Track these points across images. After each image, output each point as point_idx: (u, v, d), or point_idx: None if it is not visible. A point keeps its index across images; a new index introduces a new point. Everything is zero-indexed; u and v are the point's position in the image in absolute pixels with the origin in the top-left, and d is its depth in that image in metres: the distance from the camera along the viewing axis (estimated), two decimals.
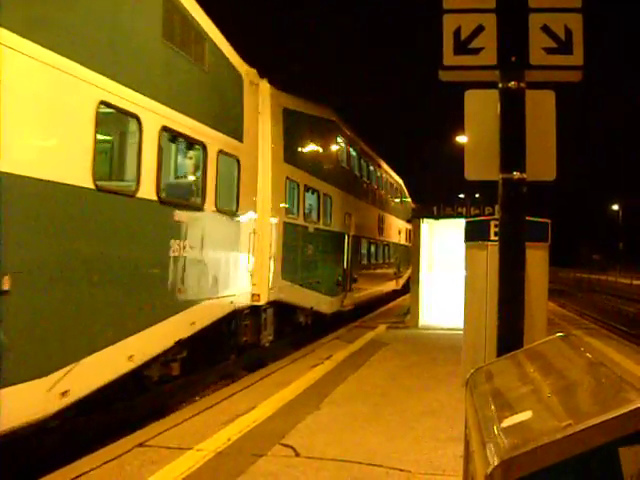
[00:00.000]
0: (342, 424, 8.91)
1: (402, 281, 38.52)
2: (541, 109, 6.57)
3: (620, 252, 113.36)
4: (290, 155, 17.13)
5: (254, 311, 14.77)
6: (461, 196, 44.11)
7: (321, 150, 21.37)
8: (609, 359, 13.80)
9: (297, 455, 7.51)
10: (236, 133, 13.60)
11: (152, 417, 9.42)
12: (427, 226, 21.50)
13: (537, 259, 9.87)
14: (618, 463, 2.62)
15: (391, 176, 37.48)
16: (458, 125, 6.96)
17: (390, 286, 35.43)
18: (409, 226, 39.45)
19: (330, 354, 14.77)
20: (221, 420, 8.89)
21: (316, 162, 20.63)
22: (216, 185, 12.27)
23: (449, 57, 6.51)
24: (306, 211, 19.18)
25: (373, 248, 30.48)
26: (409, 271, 39.98)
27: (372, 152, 31.13)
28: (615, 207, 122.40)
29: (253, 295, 14.42)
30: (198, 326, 11.51)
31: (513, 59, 6.27)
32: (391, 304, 30.94)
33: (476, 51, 6.42)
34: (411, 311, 21.34)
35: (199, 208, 11.80)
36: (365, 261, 28.58)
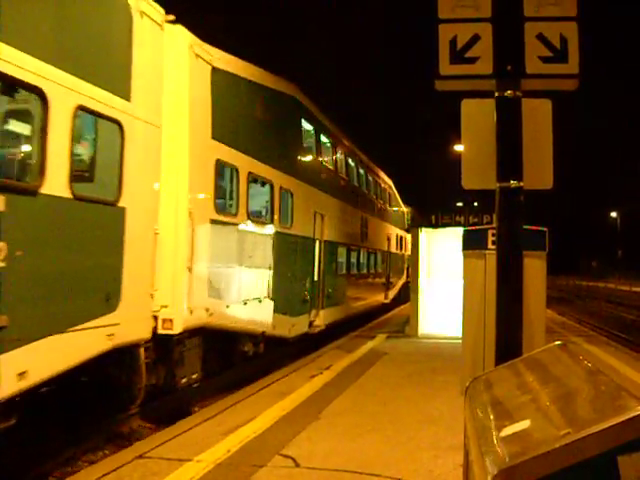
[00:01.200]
0: (342, 434, 8.90)
1: (393, 293, 36.13)
2: (537, 117, 6.60)
3: (619, 259, 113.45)
4: (224, 132, 13.04)
5: (166, 342, 11.06)
6: (459, 204, 43.60)
7: (277, 132, 17.10)
8: (608, 366, 13.79)
9: (297, 466, 7.49)
10: (115, 85, 9.43)
11: (151, 428, 9.39)
12: (425, 235, 21.49)
13: (535, 268, 9.88)
14: (617, 471, 2.61)
15: (378, 175, 33.64)
16: (456, 133, 6.99)
17: (377, 300, 32.01)
18: (401, 232, 39.59)
19: (330, 364, 14.75)
20: (221, 431, 8.87)
21: (268, 146, 16.08)
22: (70, 156, 8.30)
23: (445, 66, 6.54)
24: (252, 208, 14.95)
25: (355, 256, 26.67)
26: (402, 282, 38.71)
27: (353, 146, 27.10)
28: (613, 214, 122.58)
29: (164, 321, 10.71)
30: (34, 378, 7.63)
31: (509, 68, 6.31)
32: (390, 314, 30.85)
33: (472, 60, 6.45)
34: (410, 320, 21.31)
35: (30, 191, 7.76)
36: (344, 272, 24.48)
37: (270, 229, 15.78)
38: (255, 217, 15.11)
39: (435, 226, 21.64)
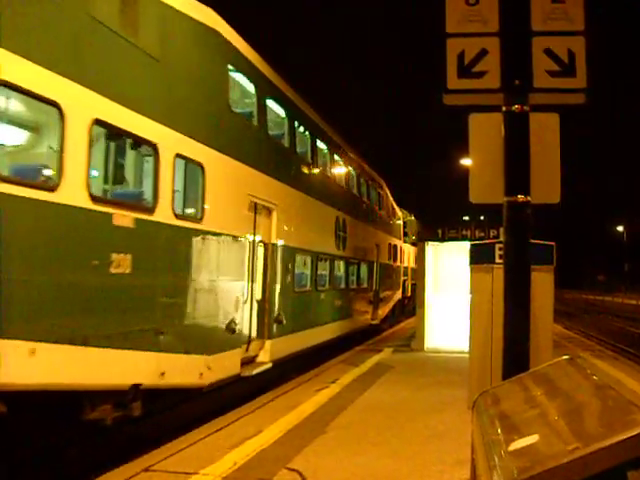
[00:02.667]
0: (348, 447, 8.87)
1: (384, 312, 29.80)
2: (545, 132, 6.61)
3: (626, 273, 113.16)
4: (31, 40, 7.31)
5: None
6: (466, 218, 43.11)
7: (172, 70, 10.44)
8: (616, 381, 13.66)
9: (303, 479, 7.48)
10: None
11: (158, 441, 9.36)
12: (432, 249, 21.46)
13: (542, 282, 9.86)
14: None
15: (363, 169, 26.39)
16: (463, 147, 7.01)
17: (361, 320, 25.46)
18: (397, 241, 35.08)
19: (336, 377, 14.72)
20: (227, 444, 8.85)
21: (150, 87, 9.86)
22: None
23: (453, 81, 6.56)
24: (102, 181, 10.00)
25: (326, 268, 20.34)
26: (396, 297, 34.14)
27: (324, 122, 20.52)
28: (620, 228, 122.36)
29: None
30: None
31: (517, 82, 6.33)
32: (396, 327, 30.77)
33: (480, 74, 6.47)
34: (417, 334, 21.25)
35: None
36: (309, 287, 18.37)
37: (150, 218, 9.54)
38: (117, 200, 9.63)
39: (441, 240, 21.62)
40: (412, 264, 39.79)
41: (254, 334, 13.63)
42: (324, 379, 14.61)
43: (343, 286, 22.26)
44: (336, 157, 21.91)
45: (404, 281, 37.18)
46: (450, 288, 19.97)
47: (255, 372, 13.31)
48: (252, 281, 13.51)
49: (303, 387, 13.62)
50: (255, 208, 13.66)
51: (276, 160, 15.58)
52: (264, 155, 14.65)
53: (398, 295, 35.08)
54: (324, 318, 19.96)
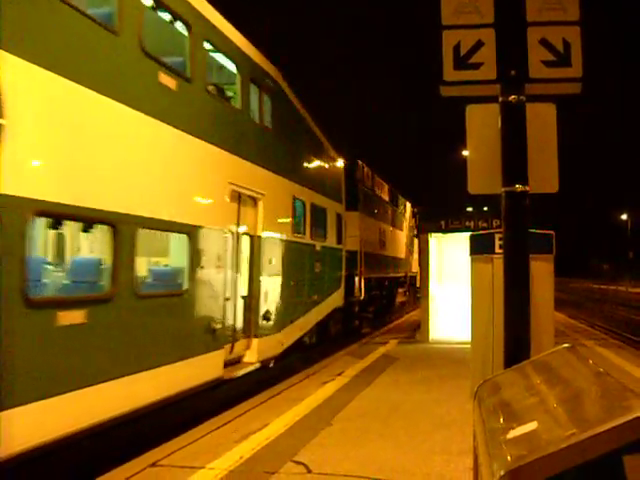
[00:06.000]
0: (354, 439, 8.92)
1: (321, 312, 19.25)
2: (542, 121, 6.63)
3: (630, 261, 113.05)
4: None
5: None
6: (469, 209, 42.48)
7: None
8: (618, 369, 13.77)
9: (309, 472, 7.52)
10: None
11: (164, 436, 9.41)
12: (435, 240, 21.49)
13: (542, 270, 9.88)
14: (623, 471, 2.63)
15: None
16: (464, 138, 7.04)
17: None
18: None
19: (342, 370, 14.77)
20: (233, 438, 8.91)
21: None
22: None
23: (449, 72, 6.59)
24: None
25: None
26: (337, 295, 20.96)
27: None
28: (624, 217, 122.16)
29: None
30: None
31: (513, 73, 6.34)
32: (401, 320, 30.81)
33: (476, 66, 6.49)
34: (421, 326, 21.31)
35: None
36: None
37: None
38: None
39: (445, 231, 21.64)
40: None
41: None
42: (330, 372, 14.66)
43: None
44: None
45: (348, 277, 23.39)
46: (454, 279, 20.00)
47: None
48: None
49: (309, 380, 13.67)
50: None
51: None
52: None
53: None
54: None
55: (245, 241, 13.27)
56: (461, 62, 6.52)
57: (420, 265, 22.92)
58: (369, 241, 27.27)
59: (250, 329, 13.34)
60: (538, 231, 10.18)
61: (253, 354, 13.35)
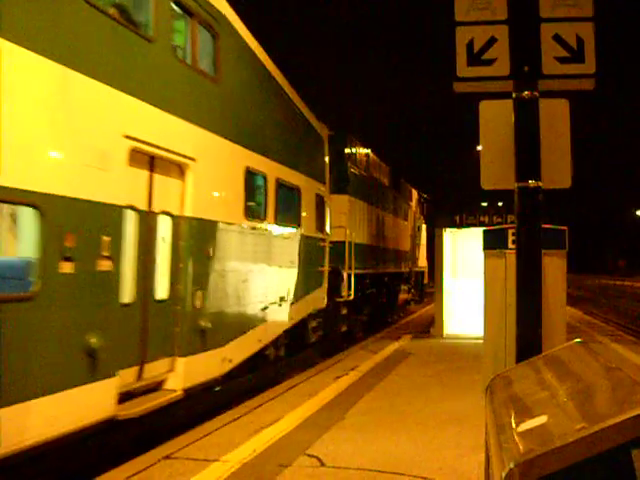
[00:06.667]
0: (367, 433, 8.95)
1: (293, 317, 14.88)
2: (555, 117, 6.65)
3: None
4: None
5: None
6: (484, 204, 41.33)
7: None
8: (631, 364, 13.75)
9: (322, 465, 7.56)
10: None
11: (177, 430, 9.47)
12: (450, 235, 21.49)
13: (554, 266, 9.86)
14: (632, 464, 2.65)
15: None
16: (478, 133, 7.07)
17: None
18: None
19: (355, 364, 14.80)
20: (246, 432, 8.95)
21: None
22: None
23: (463, 69, 6.62)
24: None
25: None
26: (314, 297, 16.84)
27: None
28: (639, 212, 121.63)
29: None
30: None
31: (526, 69, 6.36)
32: (415, 315, 30.79)
33: (489, 62, 6.52)
34: (435, 320, 21.33)
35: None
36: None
37: None
38: None
39: (459, 226, 21.63)
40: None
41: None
42: (344, 366, 14.69)
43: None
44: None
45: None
46: (468, 274, 19.98)
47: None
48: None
49: (323, 374, 13.71)
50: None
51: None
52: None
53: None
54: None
55: (164, 224, 9.52)
56: (474, 58, 6.55)
57: (434, 260, 22.25)
58: (362, 231, 23.04)
59: (173, 344, 9.53)
60: (551, 226, 10.17)
61: (177, 378, 9.49)
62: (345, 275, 19.14)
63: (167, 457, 7.82)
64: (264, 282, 12.93)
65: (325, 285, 17.49)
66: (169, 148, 9.22)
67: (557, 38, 6.39)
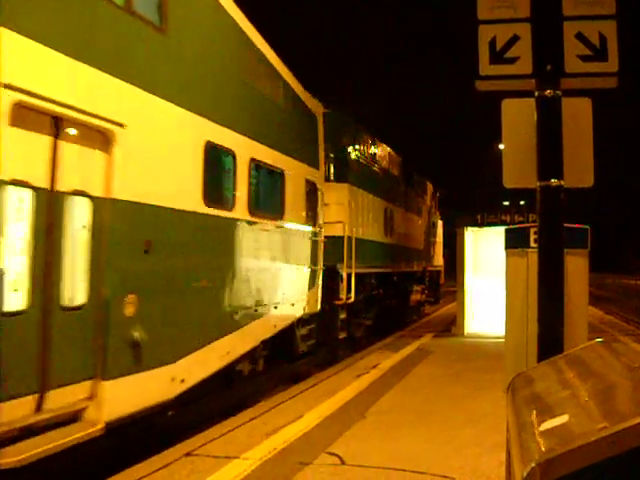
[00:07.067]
0: (387, 432, 8.96)
1: (276, 324, 12.88)
2: (578, 116, 6.63)
3: None
4: None
5: None
6: (506, 203, 40.76)
7: None
8: None
9: (343, 463, 7.56)
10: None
11: (197, 428, 9.50)
12: (472, 234, 21.45)
13: (577, 265, 9.85)
14: None
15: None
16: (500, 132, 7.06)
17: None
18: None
19: (376, 363, 14.80)
20: (267, 430, 8.97)
21: None
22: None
23: (485, 67, 6.61)
24: None
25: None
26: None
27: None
28: None
29: None
30: None
31: (549, 67, 6.34)
32: (435, 314, 30.70)
33: (512, 60, 6.51)
34: (457, 319, 21.30)
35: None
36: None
37: None
38: None
39: (481, 225, 21.62)
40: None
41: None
42: (365, 364, 14.70)
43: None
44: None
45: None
46: (490, 273, 19.92)
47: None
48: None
49: (344, 372, 13.72)
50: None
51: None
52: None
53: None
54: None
55: (79, 208, 7.32)
56: (497, 57, 6.54)
57: (455, 259, 21.74)
58: (366, 225, 20.35)
59: (94, 364, 7.37)
60: (573, 225, 10.15)
61: (100, 407, 7.30)
62: (344, 275, 16.84)
63: (188, 454, 7.86)
64: (233, 283, 10.84)
65: (319, 286, 15.42)
66: (82, 108, 7.06)
67: (580, 36, 6.36)
